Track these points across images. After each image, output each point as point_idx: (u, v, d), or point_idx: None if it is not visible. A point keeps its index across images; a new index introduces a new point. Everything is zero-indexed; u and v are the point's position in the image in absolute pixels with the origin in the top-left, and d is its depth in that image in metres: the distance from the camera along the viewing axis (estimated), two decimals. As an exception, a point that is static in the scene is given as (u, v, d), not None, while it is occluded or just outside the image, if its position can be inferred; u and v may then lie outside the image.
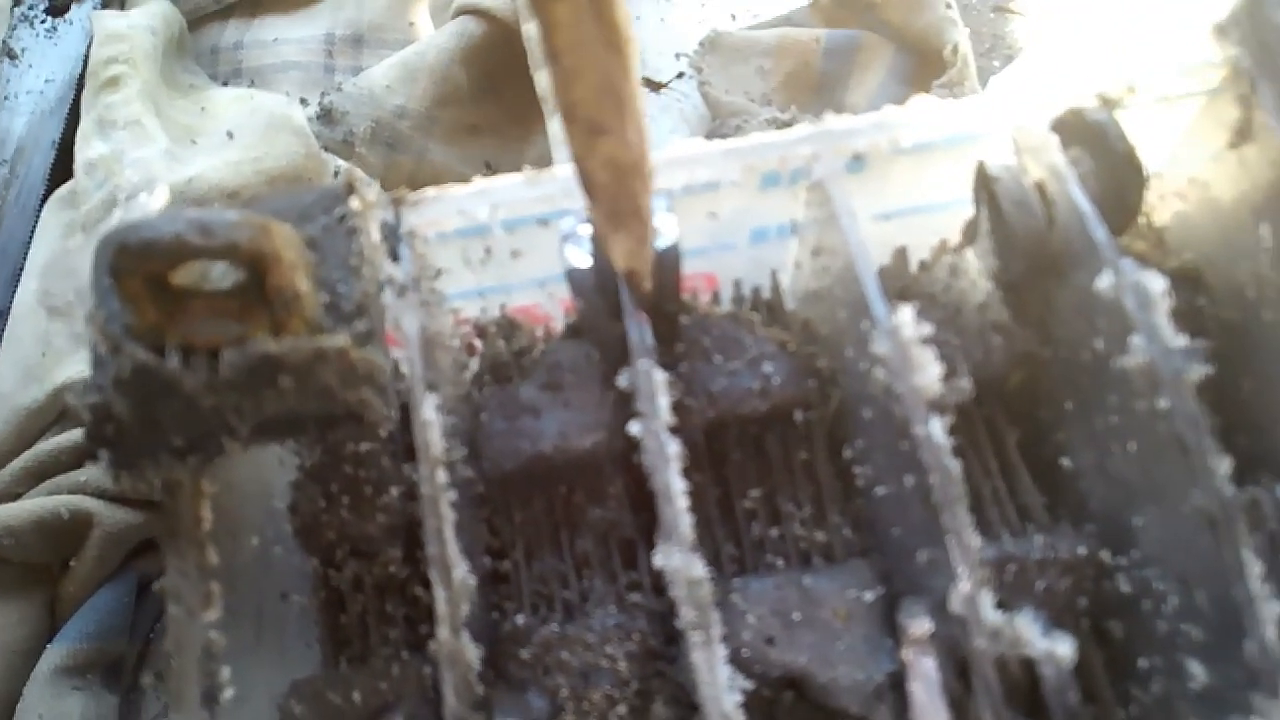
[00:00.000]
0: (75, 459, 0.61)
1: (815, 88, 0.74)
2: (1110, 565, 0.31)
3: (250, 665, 0.32)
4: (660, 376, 0.29)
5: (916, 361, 0.28)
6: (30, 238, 0.61)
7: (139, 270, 0.23)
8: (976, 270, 0.35)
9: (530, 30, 0.69)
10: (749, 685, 0.30)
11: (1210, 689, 0.27)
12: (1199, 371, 0.28)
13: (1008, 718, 0.25)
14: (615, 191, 0.25)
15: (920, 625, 0.27)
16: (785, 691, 0.31)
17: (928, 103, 0.33)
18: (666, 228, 0.31)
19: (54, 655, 0.51)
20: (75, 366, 0.55)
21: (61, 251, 0.59)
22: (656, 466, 0.28)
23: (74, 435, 0.61)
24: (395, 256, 0.31)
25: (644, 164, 0.25)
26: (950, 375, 0.34)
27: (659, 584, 0.31)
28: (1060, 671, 0.25)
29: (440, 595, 0.27)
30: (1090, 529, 0.32)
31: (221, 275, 0.25)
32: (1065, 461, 0.34)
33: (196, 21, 0.82)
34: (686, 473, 0.34)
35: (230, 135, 0.64)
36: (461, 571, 0.27)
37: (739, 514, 0.35)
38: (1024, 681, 0.26)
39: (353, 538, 0.32)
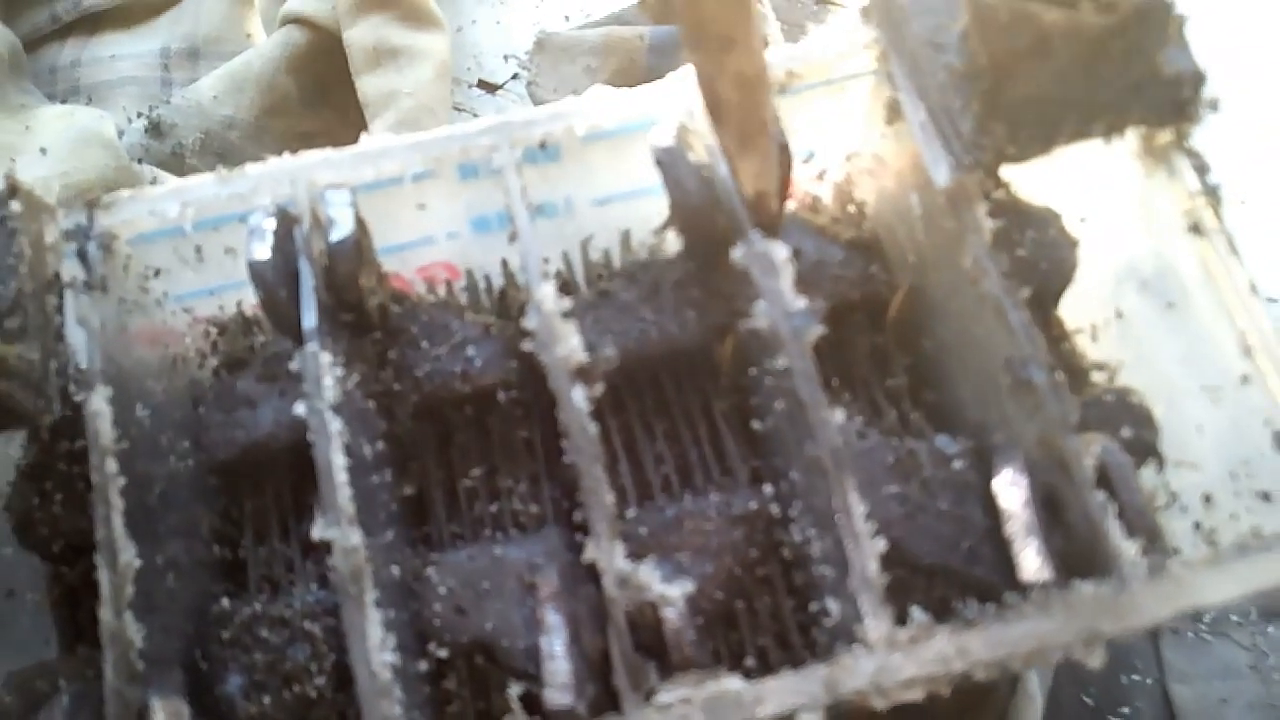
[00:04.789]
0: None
1: (642, 83, 0.76)
2: (779, 518, 0.33)
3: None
4: (326, 359, 0.30)
5: (559, 334, 0.30)
6: None
7: None
8: (675, 249, 0.37)
9: (351, 37, 0.70)
10: (443, 653, 0.32)
11: (839, 626, 0.30)
12: (815, 332, 0.30)
13: (636, 659, 0.27)
14: (744, 107, 0.27)
15: (549, 582, 0.29)
16: (475, 656, 0.32)
17: (604, 91, 0.35)
18: (342, 220, 0.32)
19: None
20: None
21: None
22: (319, 444, 0.29)
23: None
24: (84, 257, 0.32)
25: (766, 75, 0.27)
26: (645, 349, 0.36)
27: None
28: (677, 612, 0.27)
29: (104, 578, 0.28)
30: (767, 486, 0.34)
31: None
32: (755, 424, 0.36)
33: (36, 42, 0.82)
34: (407, 456, 0.36)
35: (43, 151, 0.65)
36: (129, 555, 0.29)
37: (461, 494, 0.37)
38: (655, 625, 0.28)
39: (67, 533, 0.33)
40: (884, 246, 0.38)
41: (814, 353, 0.37)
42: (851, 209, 0.40)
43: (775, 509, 0.33)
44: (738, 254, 0.31)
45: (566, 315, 0.30)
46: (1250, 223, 0.70)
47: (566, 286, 0.40)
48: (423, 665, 0.32)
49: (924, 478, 0.33)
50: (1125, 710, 0.58)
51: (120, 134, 0.70)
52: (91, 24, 0.83)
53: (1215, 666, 0.59)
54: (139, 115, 0.75)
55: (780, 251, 0.30)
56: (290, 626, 0.32)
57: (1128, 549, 0.27)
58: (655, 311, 0.36)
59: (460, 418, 0.37)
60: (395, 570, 0.32)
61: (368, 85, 0.68)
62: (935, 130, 0.32)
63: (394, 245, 0.39)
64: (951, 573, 0.32)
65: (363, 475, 0.32)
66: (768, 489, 0.34)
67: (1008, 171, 0.36)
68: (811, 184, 0.41)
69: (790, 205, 0.41)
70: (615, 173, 0.38)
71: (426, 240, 0.39)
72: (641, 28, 0.76)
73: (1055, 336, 0.38)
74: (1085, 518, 0.28)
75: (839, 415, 0.29)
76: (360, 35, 0.69)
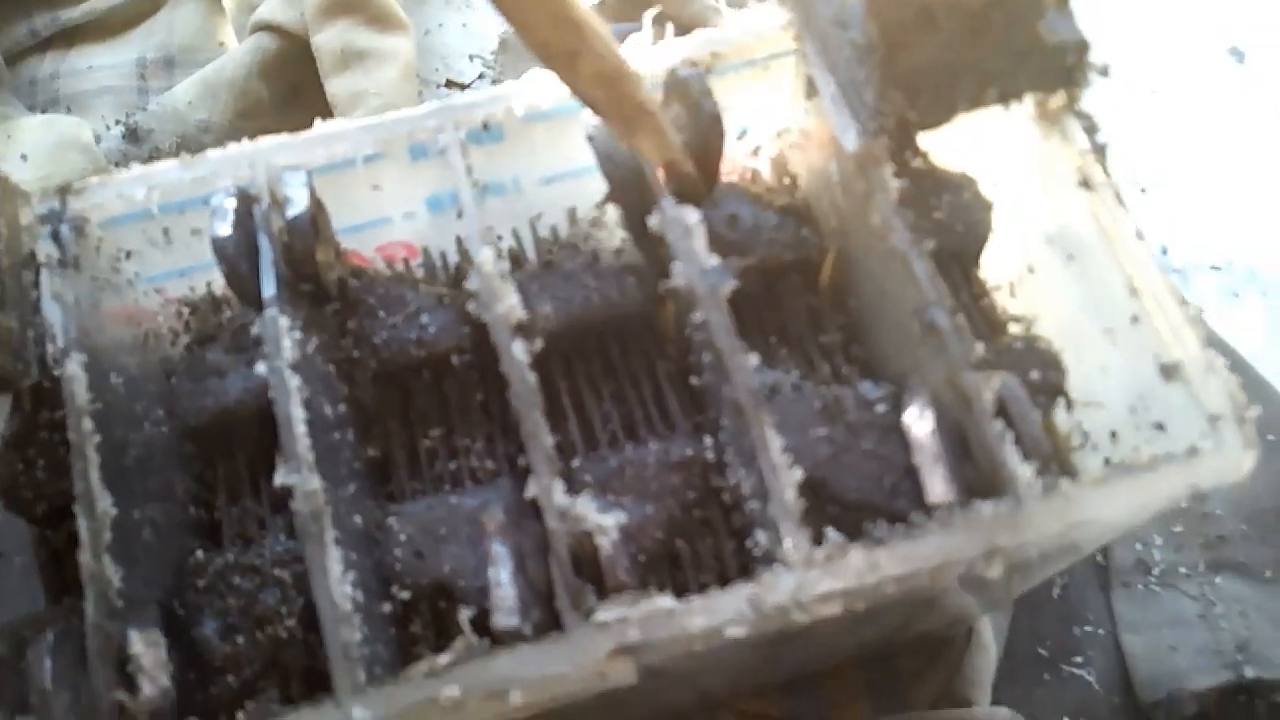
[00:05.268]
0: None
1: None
2: (714, 463, 0.36)
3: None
4: (285, 323, 0.33)
5: (498, 293, 0.32)
6: None
7: None
8: (615, 222, 0.40)
9: (319, 42, 0.73)
10: (405, 595, 0.35)
11: (766, 554, 0.32)
12: (729, 286, 0.32)
13: (576, 583, 0.30)
14: (614, 99, 0.30)
15: (494, 517, 0.31)
16: (438, 602, 0.35)
17: (540, 74, 0.38)
18: (298, 198, 0.35)
19: None
20: None
21: None
22: (278, 398, 0.32)
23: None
24: (58, 238, 0.35)
25: (624, 67, 0.30)
26: (589, 314, 0.38)
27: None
28: (610, 540, 0.30)
29: (83, 525, 0.31)
30: (706, 437, 0.37)
31: None
32: (694, 380, 0.38)
33: (16, 56, 0.84)
34: (370, 420, 0.39)
35: (24, 158, 0.67)
36: (105, 504, 0.31)
37: (421, 453, 0.39)
38: (593, 556, 0.31)
39: (49, 496, 0.36)
40: (814, 213, 0.40)
41: (754, 314, 0.40)
42: (786, 181, 0.43)
43: (711, 455, 0.36)
44: (652, 221, 0.33)
45: (505, 276, 0.33)
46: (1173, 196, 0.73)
47: (517, 260, 0.43)
48: (386, 607, 0.35)
49: (848, 421, 0.35)
50: (1078, 660, 0.61)
51: (98, 140, 0.72)
52: (69, 37, 0.86)
53: (1164, 616, 0.61)
54: (116, 123, 0.77)
55: (691, 215, 0.33)
56: (261, 573, 0.35)
57: (1024, 471, 0.30)
58: (597, 278, 0.39)
59: (419, 383, 0.39)
60: (358, 519, 0.35)
61: (336, 87, 0.71)
62: (844, 101, 0.34)
63: (353, 226, 0.41)
64: (875, 507, 0.34)
65: (324, 432, 0.34)
66: (707, 439, 0.37)
67: (926, 141, 0.39)
68: (749, 159, 0.44)
69: (733, 178, 0.44)
70: (559, 152, 0.41)
71: (384, 220, 0.42)
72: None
73: (976, 294, 0.41)
74: (985, 446, 0.31)
75: (754, 359, 0.32)
76: (328, 39, 0.72)
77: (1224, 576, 0.62)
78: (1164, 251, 0.72)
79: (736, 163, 0.44)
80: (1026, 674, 0.61)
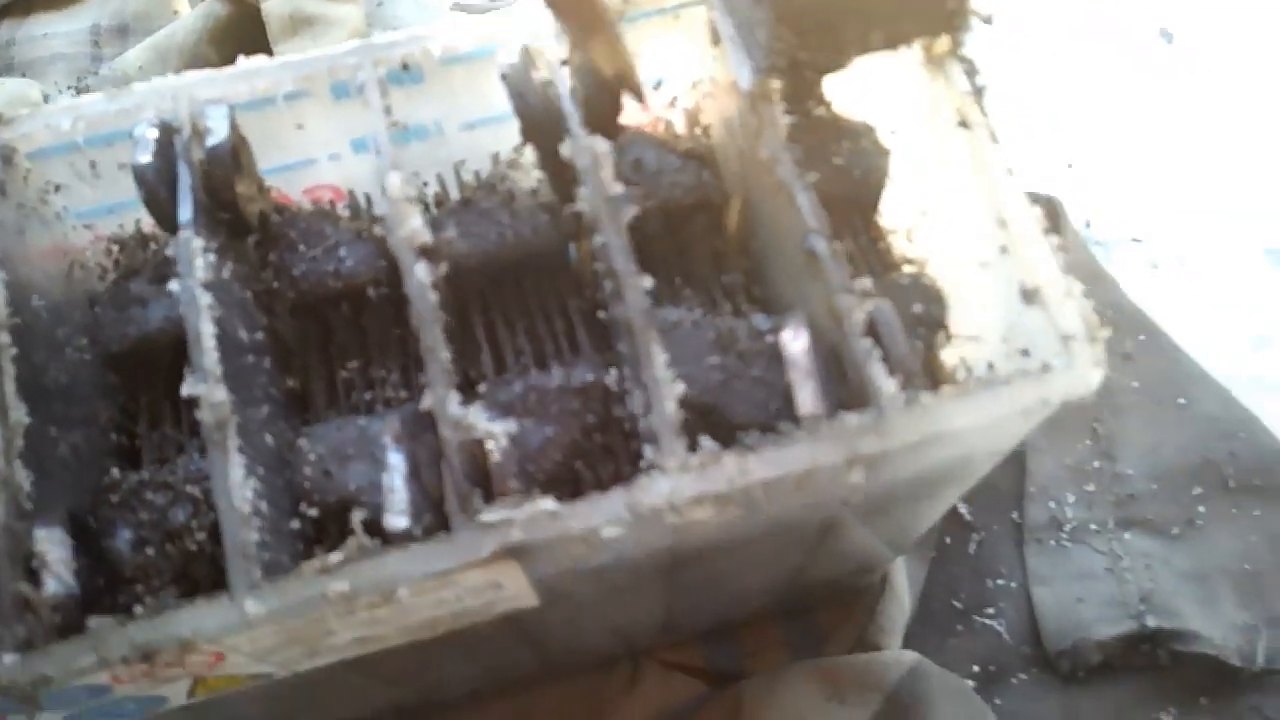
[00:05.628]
0: None
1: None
2: (616, 391, 0.38)
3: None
4: (199, 244, 0.35)
5: (404, 215, 0.34)
6: None
7: None
8: (531, 163, 0.42)
9: (268, 8, 0.74)
10: (314, 513, 0.36)
11: (650, 464, 0.34)
12: (630, 212, 0.34)
13: (465, 486, 0.32)
14: (575, 4, 0.32)
15: (391, 427, 0.33)
16: (345, 519, 0.36)
17: (459, 17, 0.39)
18: (218, 129, 0.36)
19: None
20: None
21: None
22: (188, 315, 0.33)
23: None
24: (-16, 165, 0.36)
25: None
26: (503, 251, 0.40)
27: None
28: (500, 448, 0.32)
29: (-4, 432, 0.32)
30: (612, 369, 0.38)
31: None
32: (601, 314, 0.40)
33: (-27, 24, 0.85)
34: (289, 353, 0.40)
35: (-28, 116, 0.68)
36: (19, 414, 0.33)
37: (339, 384, 0.41)
38: (485, 466, 0.33)
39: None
40: (720, 161, 0.42)
41: (660, 255, 0.42)
42: (699, 131, 0.45)
43: (614, 384, 0.38)
44: (565, 150, 0.35)
45: (411, 200, 0.34)
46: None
47: (441, 203, 0.44)
48: (295, 524, 0.36)
49: (740, 350, 0.37)
50: (990, 611, 0.63)
51: (47, 101, 0.73)
52: (26, 5, 0.87)
53: (1073, 570, 0.64)
54: (68, 87, 0.78)
55: (601, 144, 0.35)
56: (174, 489, 0.36)
57: (888, 385, 0.32)
58: (512, 216, 0.40)
59: (337, 316, 0.41)
60: (269, 439, 0.36)
61: (284, 53, 0.72)
62: (740, 41, 0.36)
63: (279, 166, 0.43)
64: (760, 427, 0.36)
65: (237, 354, 0.36)
66: (612, 371, 0.39)
67: (831, 90, 0.41)
68: (665, 111, 0.46)
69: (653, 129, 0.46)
70: (479, 96, 0.42)
71: (309, 161, 0.43)
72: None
73: (874, 237, 0.43)
74: (854, 363, 0.33)
75: (647, 281, 0.34)
76: (277, 5, 0.73)
77: (1132, 532, 0.65)
78: (1088, 225, 0.74)
79: (653, 114, 0.46)
80: (941, 624, 0.63)
